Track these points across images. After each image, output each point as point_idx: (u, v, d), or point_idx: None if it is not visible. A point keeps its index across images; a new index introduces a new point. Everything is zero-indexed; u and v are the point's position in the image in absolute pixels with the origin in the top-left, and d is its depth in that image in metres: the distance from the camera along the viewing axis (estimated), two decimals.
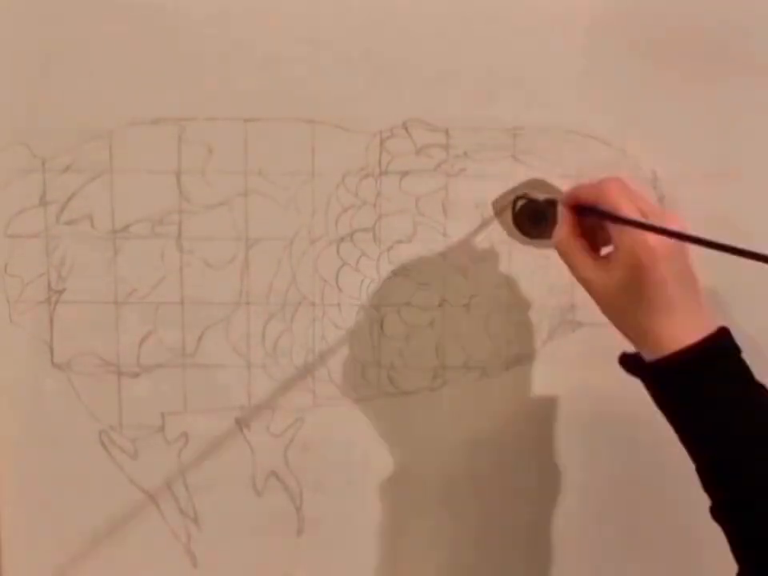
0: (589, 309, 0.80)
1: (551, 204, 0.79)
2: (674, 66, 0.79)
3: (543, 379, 0.83)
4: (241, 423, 0.85)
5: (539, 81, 0.79)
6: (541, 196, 0.80)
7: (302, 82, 0.79)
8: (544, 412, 0.84)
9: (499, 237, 0.81)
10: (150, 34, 0.79)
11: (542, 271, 0.81)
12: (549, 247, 0.80)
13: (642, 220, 0.65)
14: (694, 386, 0.66)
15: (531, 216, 0.80)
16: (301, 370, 0.84)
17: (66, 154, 0.80)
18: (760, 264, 0.59)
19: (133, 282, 0.82)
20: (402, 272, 0.82)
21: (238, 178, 0.80)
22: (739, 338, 0.68)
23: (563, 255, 0.71)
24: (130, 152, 0.80)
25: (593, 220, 0.70)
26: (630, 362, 0.71)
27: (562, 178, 0.80)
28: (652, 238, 0.64)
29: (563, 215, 0.71)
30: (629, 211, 0.66)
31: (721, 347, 0.67)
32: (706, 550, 0.85)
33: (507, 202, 0.81)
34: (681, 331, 0.66)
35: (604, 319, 0.80)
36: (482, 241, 0.81)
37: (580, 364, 0.82)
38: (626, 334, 0.70)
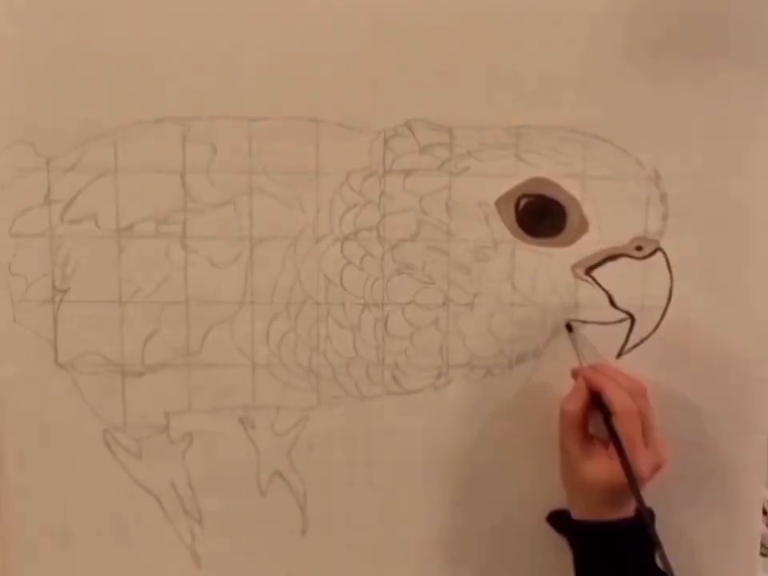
0: (592, 307, 0.81)
1: (554, 203, 0.80)
2: (676, 65, 0.79)
3: (547, 377, 0.83)
4: (245, 422, 0.85)
5: (542, 80, 0.79)
6: (544, 195, 0.80)
7: (306, 81, 0.79)
8: (548, 410, 0.83)
9: (503, 235, 0.81)
10: (154, 34, 0.79)
11: (545, 270, 0.81)
12: (552, 246, 0.81)
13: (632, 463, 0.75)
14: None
15: (535, 215, 0.81)
16: (305, 369, 0.83)
17: (70, 152, 0.80)
18: None
19: (137, 281, 0.82)
20: (405, 271, 0.82)
21: (243, 177, 0.81)
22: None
23: (564, 424, 0.78)
24: (135, 151, 0.80)
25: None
26: (557, 519, 0.83)
27: (566, 176, 0.80)
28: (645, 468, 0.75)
29: (581, 390, 0.78)
30: (634, 443, 0.75)
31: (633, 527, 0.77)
32: (706, 551, 0.85)
33: (511, 201, 0.81)
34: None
35: (606, 318, 0.81)
36: (485, 239, 0.81)
37: (583, 362, 0.82)
38: (575, 498, 0.80)
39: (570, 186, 0.80)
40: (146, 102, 0.80)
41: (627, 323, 0.82)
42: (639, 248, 0.81)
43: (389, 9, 0.78)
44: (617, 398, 0.75)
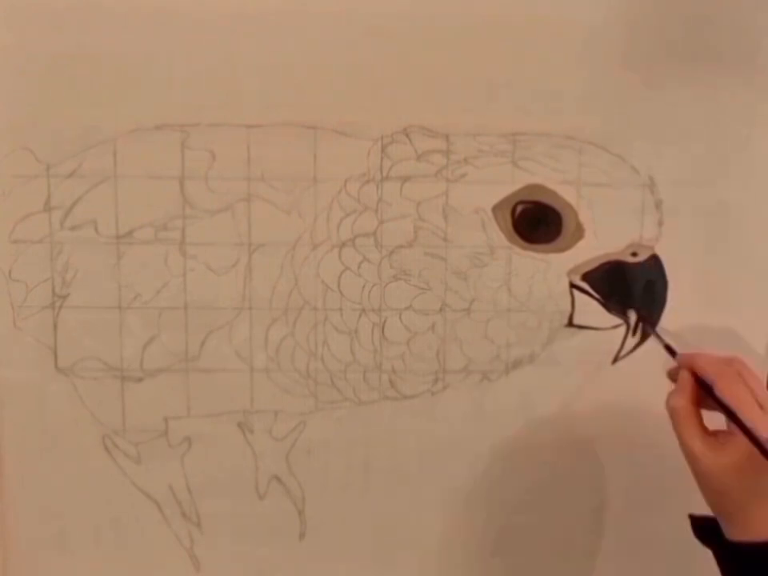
0: (588, 313, 0.82)
1: (551, 210, 0.80)
2: (672, 72, 0.80)
3: (543, 383, 0.84)
4: (243, 427, 0.85)
5: (538, 87, 0.80)
6: (540, 201, 0.81)
7: (303, 88, 0.80)
8: (544, 416, 0.84)
9: (499, 242, 0.82)
10: (153, 41, 0.79)
11: (541, 276, 0.82)
12: (549, 252, 0.81)
13: (751, 427, 0.64)
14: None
15: (531, 221, 0.81)
16: (303, 374, 0.84)
17: (70, 159, 0.81)
18: None
19: (136, 287, 0.83)
20: (403, 277, 0.82)
21: (241, 183, 0.81)
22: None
23: (676, 422, 0.70)
24: (134, 158, 0.81)
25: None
26: (705, 531, 0.71)
27: (562, 183, 0.81)
28: None
29: (684, 380, 0.71)
30: (746, 405, 0.66)
31: None
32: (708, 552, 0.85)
33: (507, 208, 0.81)
34: None
35: (603, 323, 0.82)
36: (482, 246, 0.82)
37: (580, 368, 0.83)
38: (720, 512, 0.69)
39: (566, 193, 0.80)
40: (145, 109, 0.80)
41: (623, 329, 0.82)
42: (635, 254, 0.81)
43: (386, 16, 0.79)
44: (710, 365, 0.70)
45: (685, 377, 0.71)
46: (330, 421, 0.85)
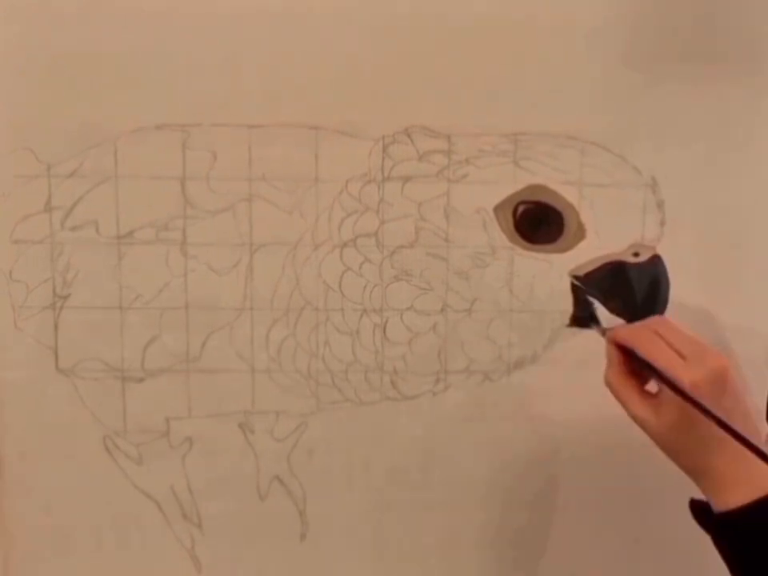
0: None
1: (552, 210, 0.80)
2: (674, 72, 0.80)
3: (545, 383, 0.84)
4: (244, 428, 0.85)
5: (540, 87, 0.80)
6: (542, 201, 0.81)
7: (305, 88, 0.80)
8: (546, 416, 0.84)
9: (501, 242, 0.81)
10: (155, 41, 0.79)
11: (543, 276, 0.82)
12: (550, 252, 0.81)
13: (667, 375, 0.67)
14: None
15: (533, 221, 0.81)
16: (304, 374, 0.84)
17: (71, 159, 0.81)
18: None
19: (137, 287, 0.83)
20: (404, 277, 0.82)
21: (242, 183, 0.81)
22: None
23: (614, 393, 0.72)
24: (135, 158, 0.81)
25: None
26: (699, 512, 0.71)
27: (563, 183, 0.80)
28: (690, 379, 0.65)
29: (611, 354, 0.73)
30: (663, 358, 0.68)
31: None
32: (710, 553, 0.85)
33: (509, 208, 0.81)
34: (741, 466, 0.66)
35: (605, 323, 0.82)
36: (483, 246, 0.82)
37: (581, 368, 0.83)
38: (687, 473, 0.70)
39: (567, 193, 0.80)
40: (146, 109, 0.80)
41: None
42: (636, 254, 0.81)
43: (388, 17, 0.79)
44: (629, 333, 0.72)
45: (610, 351, 0.73)
46: (332, 421, 0.85)
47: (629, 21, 0.79)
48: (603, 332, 0.77)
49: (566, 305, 0.82)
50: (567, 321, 0.82)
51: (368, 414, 0.85)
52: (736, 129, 0.81)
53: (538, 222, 0.81)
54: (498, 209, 0.81)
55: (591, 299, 0.81)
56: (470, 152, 0.81)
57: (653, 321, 0.73)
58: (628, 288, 0.81)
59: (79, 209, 0.81)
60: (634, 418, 0.70)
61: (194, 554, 0.87)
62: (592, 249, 0.81)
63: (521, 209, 0.81)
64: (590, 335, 0.82)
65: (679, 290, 0.82)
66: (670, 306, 0.82)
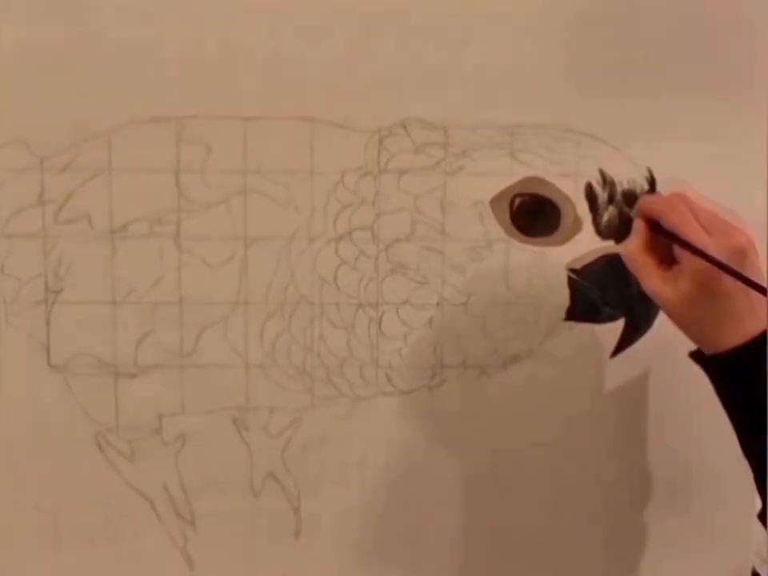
0: (586, 306, 0.81)
1: (549, 202, 0.80)
2: (670, 65, 0.80)
3: (541, 377, 0.83)
4: (238, 424, 0.84)
5: (537, 79, 0.80)
6: (539, 194, 0.80)
7: (300, 80, 0.79)
8: (542, 410, 0.84)
9: (497, 235, 0.81)
10: (149, 33, 0.79)
11: (539, 269, 0.81)
12: (547, 245, 0.81)
13: (699, 246, 0.68)
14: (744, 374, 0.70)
15: (529, 214, 0.81)
16: (299, 369, 0.83)
17: (64, 152, 0.80)
18: None
19: (131, 281, 0.82)
20: (400, 270, 0.82)
21: (237, 176, 0.81)
22: None
23: (632, 267, 0.74)
24: (129, 151, 0.80)
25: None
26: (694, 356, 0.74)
27: (560, 176, 0.80)
28: (714, 251, 0.68)
29: (637, 227, 0.74)
30: (690, 230, 0.70)
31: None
32: (716, 548, 0.85)
33: (505, 201, 0.81)
34: (742, 337, 0.70)
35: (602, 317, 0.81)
36: (479, 239, 0.81)
37: (578, 362, 0.83)
38: (693, 338, 0.73)
39: (564, 185, 0.80)
40: (140, 102, 0.80)
41: (621, 323, 0.82)
42: None
43: (383, 8, 0.79)
44: (655, 204, 0.74)
45: (637, 223, 0.74)
46: (327, 417, 0.84)
47: (627, 13, 0.79)
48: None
49: (563, 298, 0.82)
50: (564, 314, 0.82)
51: (363, 409, 0.84)
52: (733, 120, 0.81)
53: (535, 214, 0.81)
54: (494, 201, 0.81)
55: (588, 292, 0.81)
56: (467, 144, 0.80)
57: (679, 194, 0.74)
58: (625, 280, 0.80)
59: (72, 202, 0.81)
60: (650, 290, 0.72)
61: (187, 552, 0.86)
62: (589, 241, 0.81)
63: (517, 201, 0.81)
64: (587, 329, 0.82)
65: None
66: None
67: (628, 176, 0.80)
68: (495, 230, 0.81)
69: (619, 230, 0.80)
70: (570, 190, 0.80)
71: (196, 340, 0.83)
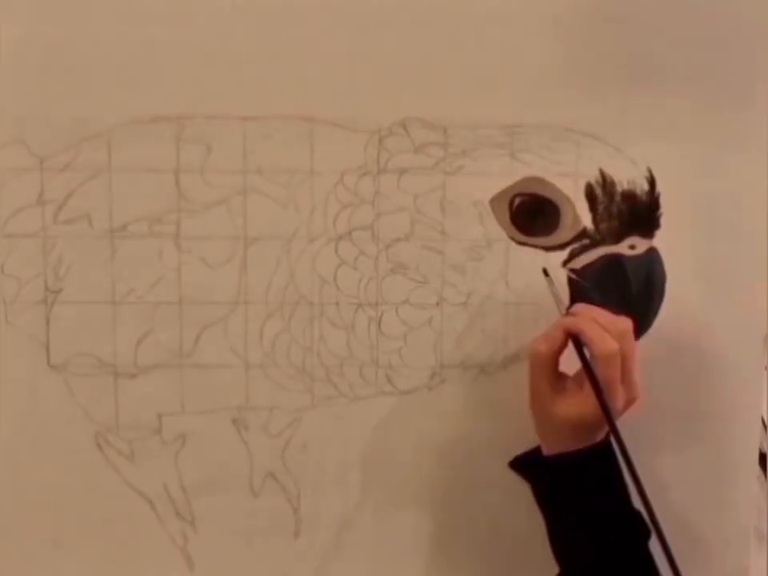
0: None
1: (548, 202, 0.80)
2: (670, 64, 0.80)
3: None
4: (238, 424, 0.84)
5: (536, 79, 0.80)
6: (538, 194, 0.80)
7: (300, 80, 0.79)
8: None
9: (497, 235, 0.81)
10: (148, 33, 0.79)
11: (539, 269, 0.81)
12: (546, 245, 0.81)
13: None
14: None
15: (529, 214, 0.81)
16: (299, 369, 0.83)
17: (64, 152, 0.80)
18: None
19: (130, 281, 0.82)
20: (399, 270, 0.82)
21: (237, 176, 0.81)
22: None
23: (537, 364, 0.76)
24: (129, 151, 0.80)
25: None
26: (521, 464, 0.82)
27: (560, 176, 0.80)
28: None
29: (553, 331, 0.76)
30: (610, 378, 0.73)
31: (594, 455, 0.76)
32: (714, 547, 0.85)
33: (505, 200, 0.81)
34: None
35: None
36: (479, 239, 0.81)
37: (577, 361, 0.82)
38: (550, 447, 0.78)
39: (564, 185, 0.80)
40: (140, 102, 0.80)
41: None
42: (633, 247, 0.81)
43: (383, 8, 0.79)
44: (597, 342, 0.73)
45: (556, 330, 0.76)
46: (326, 417, 0.84)
47: (625, 12, 0.79)
48: (564, 311, 0.78)
49: (563, 297, 0.81)
50: (563, 314, 0.82)
51: (363, 409, 0.84)
52: (732, 120, 0.81)
53: (535, 214, 0.81)
54: (494, 201, 0.81)
55: (588, 292, 0.81)
56: (467, 144, 0.80)
57: (619, 329, 0.75)
58: (624, 280, 0.81)
59: (72, 202, 0.81)
60: (539, 393, 0.76)
61: (187, 552, 0.86)
62: (588, 241, 0.81)
63: (517, 201, 0.81)
64: None
65: (675, 283, 0.81)
66: (666, 298, 0.81)
67: (628, 176, 0.80)
68: (495, 229, 0.81)
69: (619, 230, 0.80)
70: (570, 190, 0.80)
71: (196, 340, 0.83)
